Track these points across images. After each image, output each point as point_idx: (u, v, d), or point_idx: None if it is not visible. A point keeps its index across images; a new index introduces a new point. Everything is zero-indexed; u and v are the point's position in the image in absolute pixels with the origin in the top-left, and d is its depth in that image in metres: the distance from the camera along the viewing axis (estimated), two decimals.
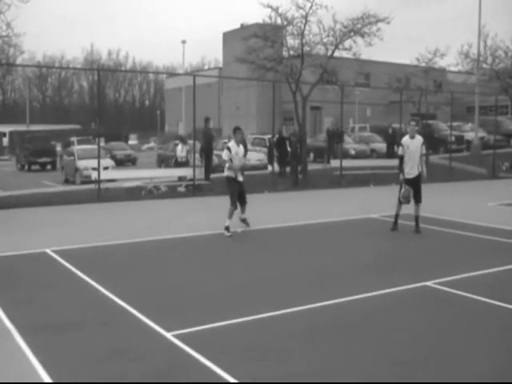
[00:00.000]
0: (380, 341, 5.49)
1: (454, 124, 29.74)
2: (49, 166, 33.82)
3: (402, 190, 11.23)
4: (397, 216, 11.52)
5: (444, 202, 16.16)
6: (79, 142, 31.02)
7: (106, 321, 6.06)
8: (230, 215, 11.06)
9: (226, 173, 11.35)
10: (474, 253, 9.56)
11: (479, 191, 19.65)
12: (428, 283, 7.44)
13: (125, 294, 6.92)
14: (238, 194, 11.28)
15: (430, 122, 31.51)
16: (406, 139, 11.35)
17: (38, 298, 6.87)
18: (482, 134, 32.08)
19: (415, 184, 11.28)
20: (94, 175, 17.30)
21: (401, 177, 11.33)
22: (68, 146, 31.46)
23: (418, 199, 11.26)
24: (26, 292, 7.15)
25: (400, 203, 11.35)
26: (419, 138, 11.31)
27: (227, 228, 10.90)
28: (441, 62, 29.22)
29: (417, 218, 11.28)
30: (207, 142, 19.49)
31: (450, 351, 5.23)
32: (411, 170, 11.26)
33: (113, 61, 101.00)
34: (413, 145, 11.21)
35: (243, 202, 11.48)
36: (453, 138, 28.42)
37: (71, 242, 10.14)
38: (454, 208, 14.77)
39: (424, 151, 11.43)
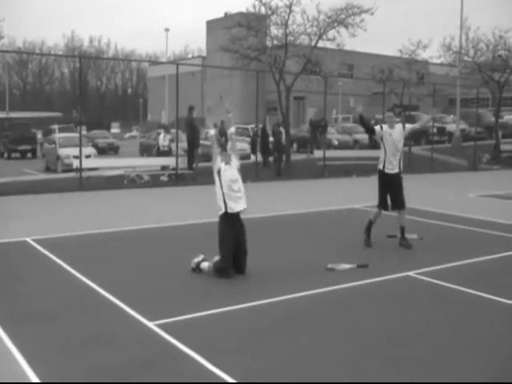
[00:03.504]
0: (353, 331, 5.53)
1: (436, 116, 29.93)
2: (29, 154, 33.44)
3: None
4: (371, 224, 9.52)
5: (425, 193, 16.28)
6: (60, 130, 30.63)
7: (88, 310, 6.02)
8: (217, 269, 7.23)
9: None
10: (455, 243, 9.65)
11: (460, 182, 19.83)
12: (410, 273, 7.50)
13: (106, 283, 6.88)
14: (233, 242, 7.27)
15: (412, 113, 31.68)
16: (386, 128, 9.29)
17: (19, 288, 6.81)
18: (463, 125, 32.34)
19: (394, 184, 9.31)
20: (76, 163, 17.18)
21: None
22: (49, 134, 31.09)
23: (399, 204, 9.30)
24: (6, 281, 7.09)
25: (379, 210, 9.46)
26: (399, 126, 9.36)
27: (198, 265, 7.40)
28: (423, 54, 29.32)
29: (402, 230, 9.33)
30: (190, 131, 19.41)
31: (430, 342, 5.28)
32: (390, 165, 9.23)
33: (94, 48, 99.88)
34: (395, 134, 9.19)
35: (242, 254, 7.37)
36: (435, 130, 28.63)
37: (52, 231, 10.05)
38: (435, 199, 14.89)
39: (407, 132, 9.44)
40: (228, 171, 7.38)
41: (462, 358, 4.89)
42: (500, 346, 5.21)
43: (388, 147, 9.21)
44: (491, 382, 4.52)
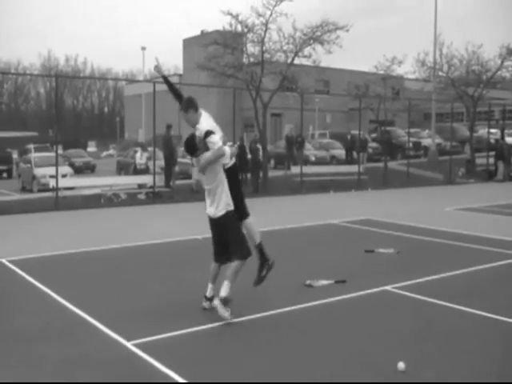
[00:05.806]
0: (332, 347, 5.53)
1: (412, 130, 30.30)
2: (5, 174, 33.12)
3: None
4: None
5: (402, 207, 16.41)
6: (36, 150, 30.47)
7: (65, 331, 5.94)
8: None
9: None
10: (433, 257, 9.71)
11: (436, 196, 20.01)
12: (388, 287, 7.53)
13: (83, 303, 6.80)
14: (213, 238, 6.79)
15: (388, 128, 32.04)
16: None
17: None
18: (438, 140, 32.77)
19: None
20: (52, 183, 17.03)
21: None
22: (25, 154, 30.89)
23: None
24: None
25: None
26: (202, 128, 6.28)
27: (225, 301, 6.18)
28: (398, 70, 29.77)
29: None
30: (168, 149, 19.41)
31: (410, 356, 5.30)
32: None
33: (71, 67, 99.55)
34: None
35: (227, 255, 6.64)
36: (410, 145, 28.96)
37: (28, 252, 9.92)
38: (411, 213, 15.00)
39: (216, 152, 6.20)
40: None
41: (442, 368, 4.91)
42: (481, 359, 5.25)
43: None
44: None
